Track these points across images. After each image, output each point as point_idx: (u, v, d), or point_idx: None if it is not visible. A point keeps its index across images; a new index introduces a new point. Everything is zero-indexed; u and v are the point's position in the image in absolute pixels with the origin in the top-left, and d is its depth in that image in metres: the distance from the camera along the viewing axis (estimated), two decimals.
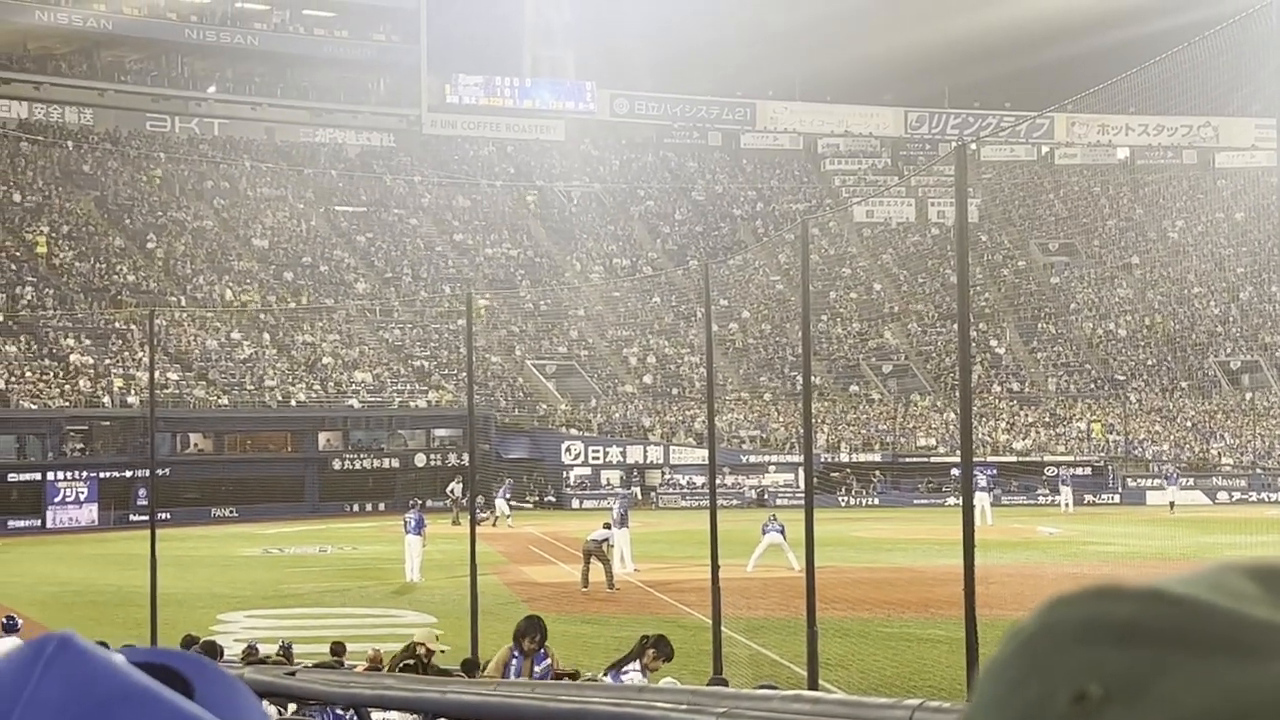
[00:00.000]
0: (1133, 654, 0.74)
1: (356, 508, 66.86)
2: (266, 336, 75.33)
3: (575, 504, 68.79)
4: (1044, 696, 0.76)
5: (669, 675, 14.22)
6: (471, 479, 30.26)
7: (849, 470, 71.82)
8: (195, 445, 67.32)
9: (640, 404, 78.93)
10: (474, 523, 26.52)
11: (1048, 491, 68.61)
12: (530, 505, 67.87)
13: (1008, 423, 79.57)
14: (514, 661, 14.24)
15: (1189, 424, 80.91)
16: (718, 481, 24.73)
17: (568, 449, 72.73)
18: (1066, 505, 62.70)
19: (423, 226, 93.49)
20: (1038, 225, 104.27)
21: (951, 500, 60.15)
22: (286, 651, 19.86)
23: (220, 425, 67.54)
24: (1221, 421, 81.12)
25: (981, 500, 46.04)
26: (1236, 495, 70.80)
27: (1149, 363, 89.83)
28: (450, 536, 43.37)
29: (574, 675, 14.19)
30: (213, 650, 17.99)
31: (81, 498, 61.37)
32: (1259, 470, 73.97)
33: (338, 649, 19.83)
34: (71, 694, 0.88)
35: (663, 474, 73.03)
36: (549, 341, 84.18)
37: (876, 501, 70.24)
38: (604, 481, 71.42)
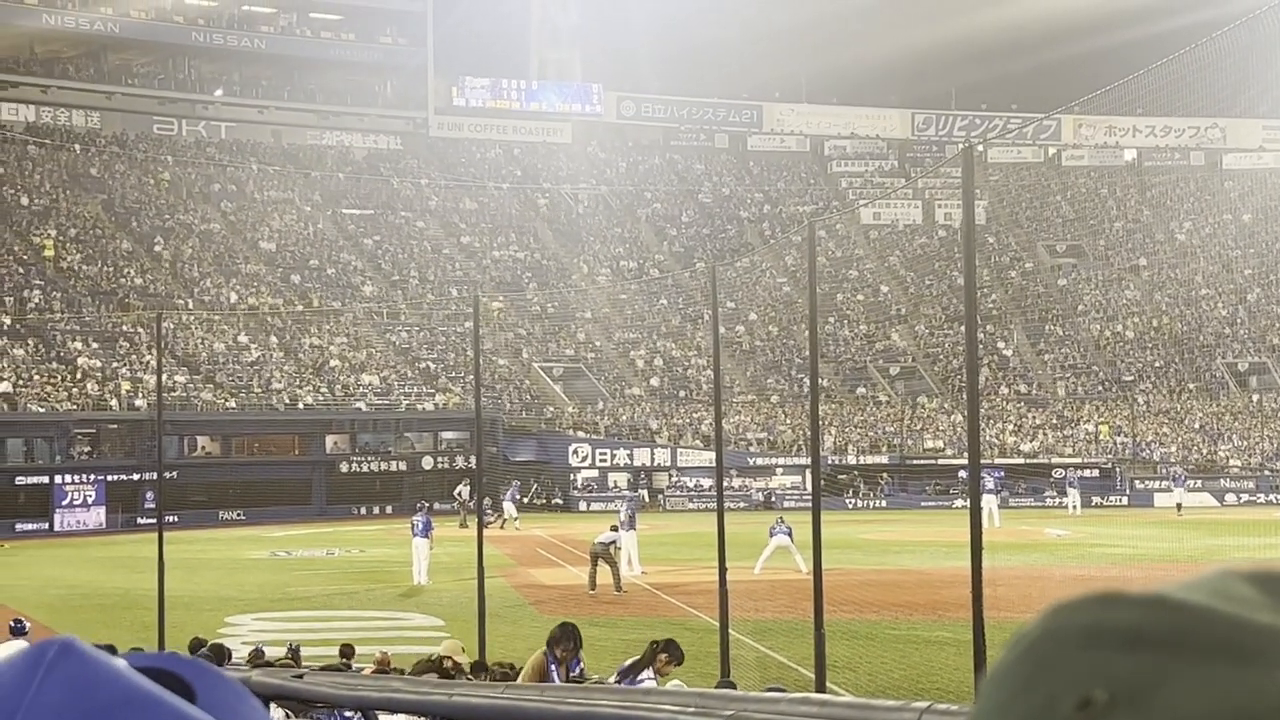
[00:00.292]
0: (1136, 660, 0.74)
1: (364, 510, 66.89)
2: (274, 339, 75.40)
3: (582, 506, 68.77)
4: (1048, 701, 0.76)
5: (676, 679, 14.20)
6: (479, 481, 30.28)
7: (856, 472, 71.78)
8: (203, 448, 67.38)
9: (647, 406, 78.92)
10: (481, 525, 26.53)
11: (1055, 494, 68.56)
12: (540, 502, 67.85)
13: (1015, 425, 79.52)
14: (552, 669, 14.10)
15: (1197, 426, 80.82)
16: (725, 484, 24.72)
17: (575, 451, 72.71)
18: (1074, 507, 62.65)
19: (430, 229, 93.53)
20: (1045, 227, 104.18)
21: (959, 502, 60.06)
22: (294, 654, 19.87)
23: (228, 428, 67.57)
24: (1229, 423, 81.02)
25: (989, 502, 45.89)
26: (1245, 497, 70.71)
27: (1156, 364, 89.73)
28: (458, 539, 43.43)
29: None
30: (220, 653, 18.00)
31: (89, 501, 61.43)
32: (1267, 472, 73.83)
33: (347, 651, 19.85)
34: (73, 699, 0.88)
35: (670, 476, 73.01)
36: (556, 344, 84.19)
37: (884, 504, 70.19)
38: (611, 484, 71.37)
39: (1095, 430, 79.12)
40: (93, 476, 61.60)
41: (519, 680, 14.19)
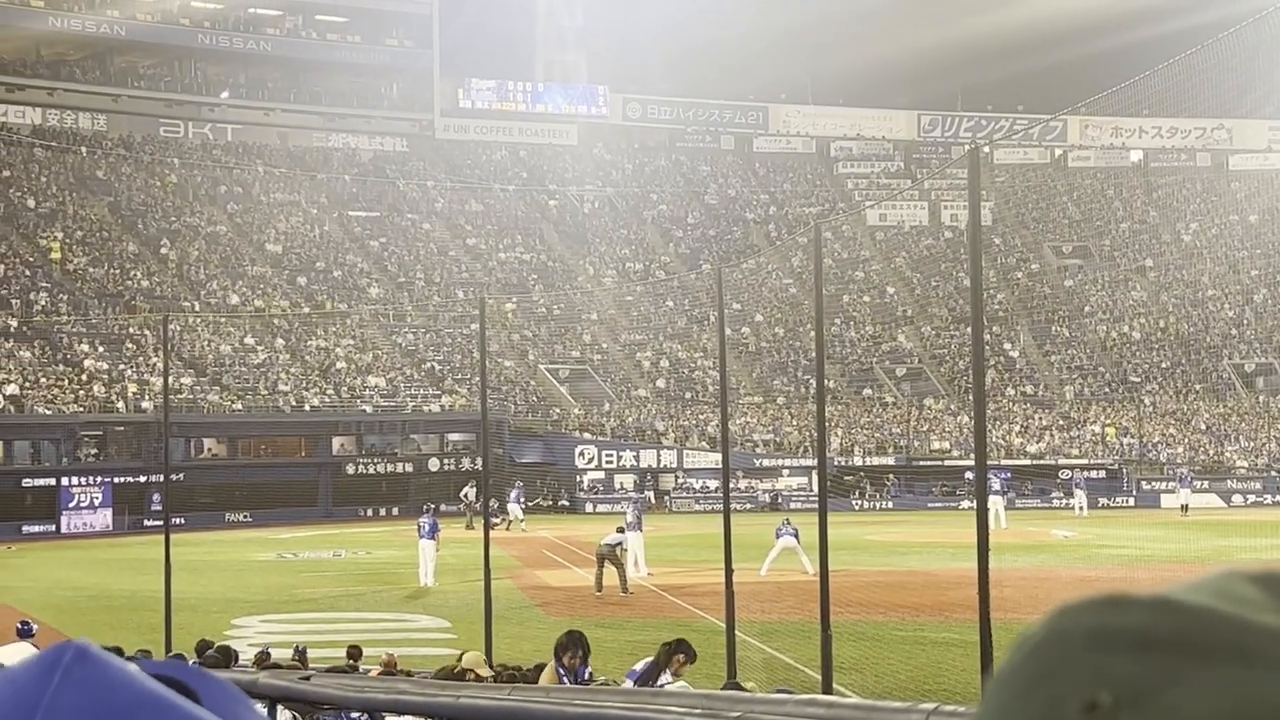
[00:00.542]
0: (1141, 662, 0.75)
1: (370, 512, 66.94)
2: (280, 341, 75.46)
3: (589, 508, 68.78)
4: (1054, 704, 0.76)
5: (681, 680, 14.18)
6: (485, 483, 30.25)
7: (863, 474, 71.78)
8: (209, 450, 67.42)
9: (653, 408, 78.92)
10: (488, 527, 26.54)
11: (1062, 494, 68.52)
12: (546, 503, 67.87)
13: (1022, 426, 79.46)
14: (562, 678, 14.00)
15: (1203, 427, 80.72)
16: (731, 485, 24.72)
17: (581, 453, 72.72)
18: (1080, 508, 62.59)
19: (436, 231, 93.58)
20: (1051, 228, 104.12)
21: (965, 503, 60.07)
22: (301, 656, 19.88)
23: (234, 430, 67.62)
24: (1236, 424, 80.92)
25: (995, 503, 45.91)
26: (1251, 498, 70.65)
27: (1163, 365, 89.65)
28: (464, 541, 43.46)
29: None
30: (227, 655, 18.01)
31: (96, 503, 61.50)
32: (1274, 473, 73.78)
33: (354, 653, 19.85)
34: (89, 702, 0.90)
35: (676, 478, 73.00)
36: (562, 346, 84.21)
37: (890, 505, 70.15)
38: (617, 485, 71.36)
39: (1102, 431, 79.06)
40: (99, 478, 61.69)
41: None
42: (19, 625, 20.61)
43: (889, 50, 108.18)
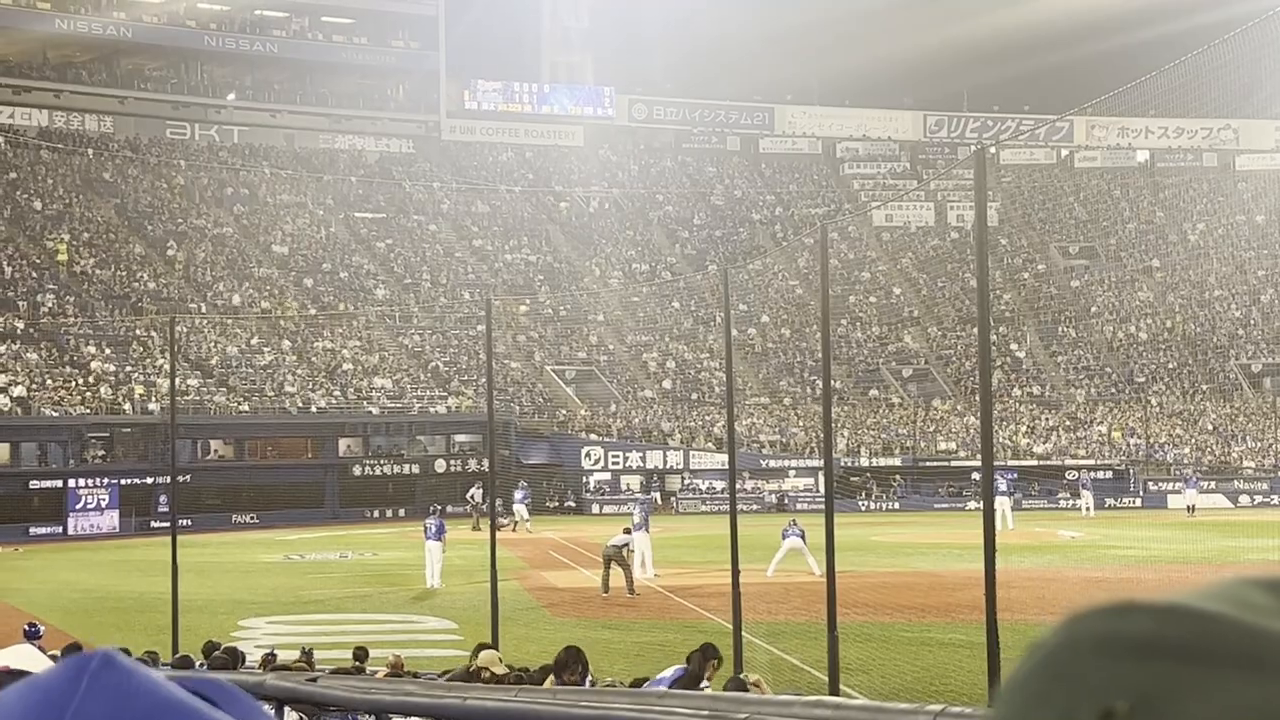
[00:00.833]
0: (1155, 669, 0.75)
1: (377, 513, 66.94)
2: (286, 343, 75.50)
3: (595, 509, 68.77)
4: (1067, 712, 0.76)
5: (710, 684, 14.12)
6: (491, 484, 30.28)
7: (869, 474, 71.78)
8: (216, 452, 67.44)
9: (660, 409, 78.90)
10: (494, 528, 26.56)
11: (1068, 495, 68.43)
12: (553, 504, 67.88)
13: (1028, 426, 79.41)
14: None
15: (1210, 427, 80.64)
16: (737, 486, 24.72)
17: (587, 454, 72.68)
18: (1087, 509, 62.53)
19: (442, 232, 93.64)
20: (1057, 228, 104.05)
21: (972, 504, 60.07)
22: (308, 657, 19.88)
23: (241, 431, 67.63)
24: (1243, 425, 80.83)
25: (1002, 504, 45.89)
26: (1259, 499, 70.56)
27: (1170, 366, 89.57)
28: (470, 542, 43.46)
29: None
30: (234, 656, 18.03)
31: (103, 504, 61.52)
32: None
33: (360, 654, 19.86)
34: (115, 709, 0.93)
35: (682, 479, 72.96)
36: (568, 347, 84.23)
37: (897, 506, 70.12)
38: (624, 486, 71.33)
39: (1108, 432, 78.99)
40: (106, 480, 61.70)
41: None
42: (26, 627, 20.63)
43: (895, 51, 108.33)
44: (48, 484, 61.03)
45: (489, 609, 24.15)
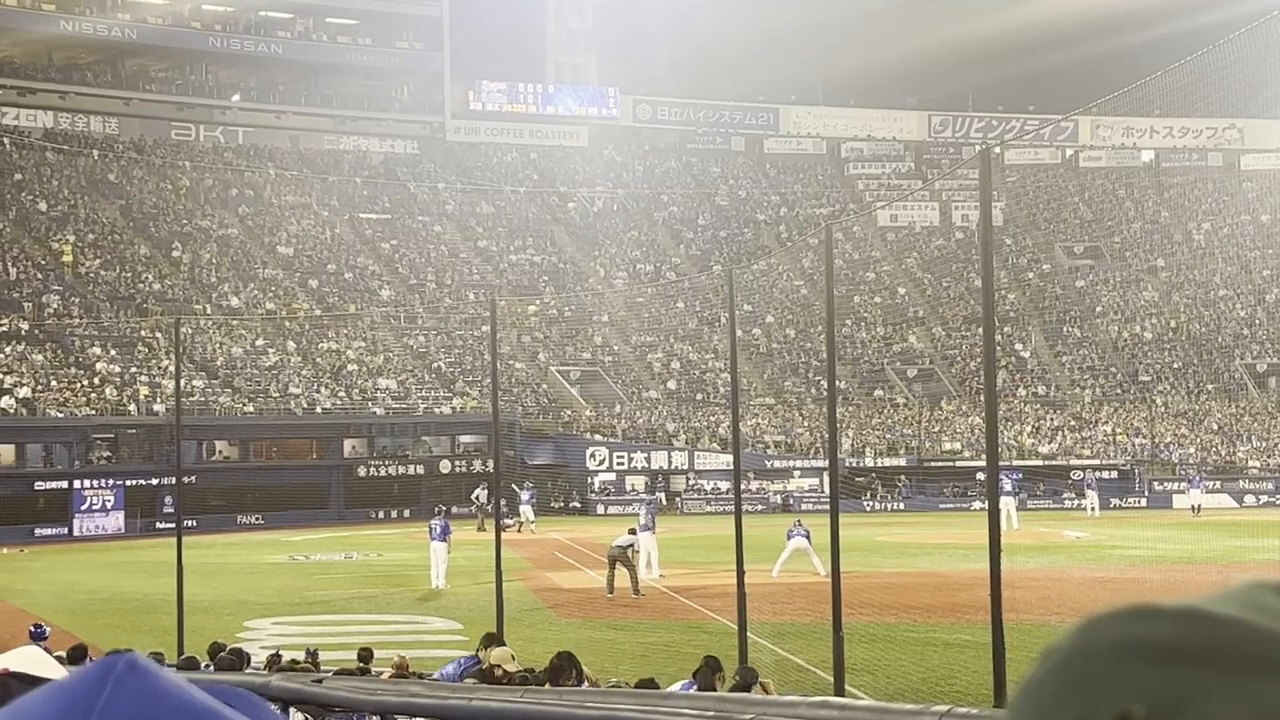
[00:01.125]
0: (1171, 674, 0.74)
1: (382, 514, 66.97)
2: (291, 344, 75.54)
3: (600, 510, 68.77)
4: (1083, 717, 0.76)
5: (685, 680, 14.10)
6: (496, 485, 30.27)
7: (874, 475, 71.72)
8: (221, 453, 67.48)
9: (665, 409, 78.90)
10: (499, 529, 26.55)
11: (1074, 495, 68.39)
12: (558, 505, 67.89)
13: (1033, 426, 79.34)
14: None
15: (1215, 427, 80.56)
16: (742, 486, 24.71)
17: (592, 455, 72.65)
18: (1092, 509, 62.48)
19: (447, 233, 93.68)
20: (1062, 228, 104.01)
21: (977, 504, 60.06)
22: (313, 658, 19.88)
23: (246, 433, 67.66)
24: (1248, 424, 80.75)
25: (1007, 504, 45.88)
26: (1264, 498, 70.44)
27: (1175, 365, 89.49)
28: (475, 542, 43.51)
29: None
30: (240, 657, 18.03)
31: (108, 506, 61.58)
32: None
33: (365, 655, 19.86)
34: (139, 712, 0.95)
35: (687, 479, 72.94)
36: (573, 347, 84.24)
37: (902, 506, 70.06)
38: (629, 487, 71.34)
39: (1113, 432, 78.93)
40: (111, 481, 61.76)
41: None
42: (32, 628, 20.64)
43: (899, 51, 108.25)
44: (53, 485, 61.09)
45: (494, 610, 24.14)
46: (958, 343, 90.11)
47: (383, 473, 69.02)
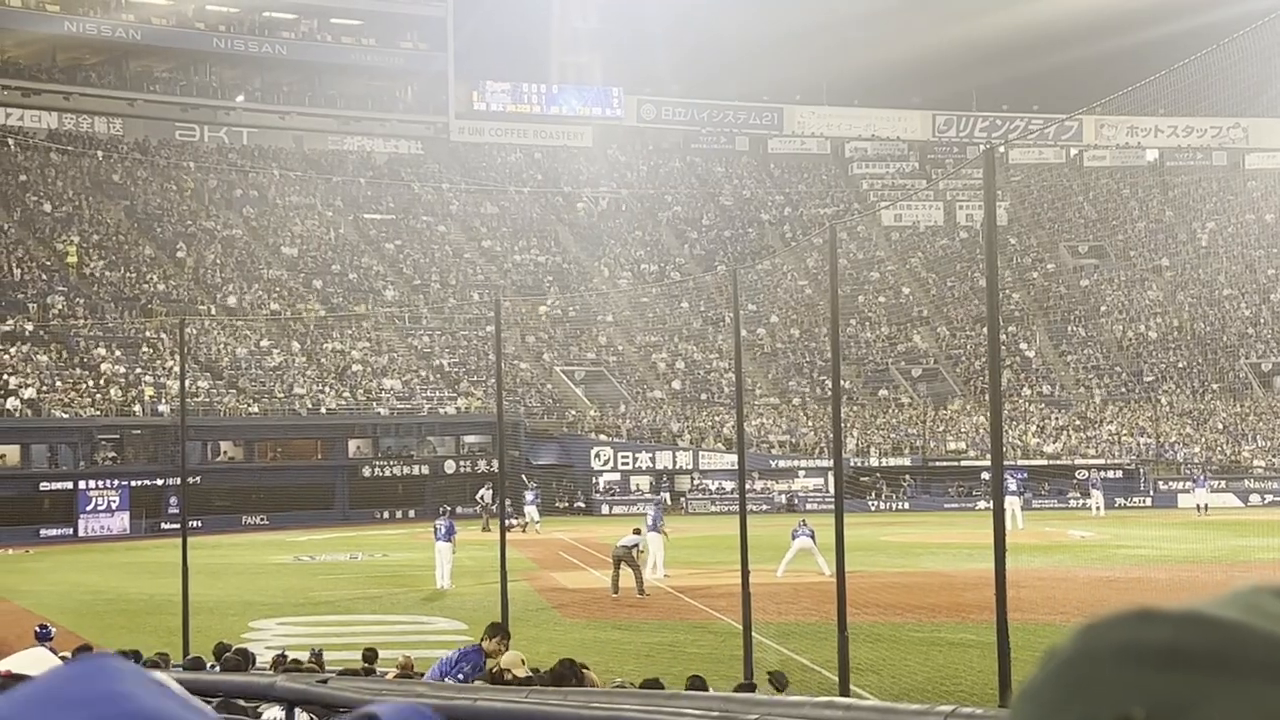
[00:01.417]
0: (1173, 678, 0.75)
1: (386, 514, 67.00)
2: (296, 344, 75.56)
3: (605, 510, 68.78)
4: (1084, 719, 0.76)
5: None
6: (501, 485, 30.26)
7: (879, 474, 71.72)
8: (226, 453, 67.51)
9: (669, 409, 78.89)
10: (504, 529, 26.56)
11: (1079, 495, 68.37)
12: (563, 504, 67.91)
13: (1038, 426, 79.30)
14: None
15: (1220, 426, 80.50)
16: (747, 486, 24.71)
17: (597, 455, 72.68)
18: (1097, 508, 62.47)
19: (451, 233, 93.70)
20: (1067, 228, 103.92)
21: (982, 504, 60.02)
22: (318, 658, 19.89)
23: (250, 433, 67.69)
24: (1253, 424, 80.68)
25: (1012, 504, 45.91)
26: (1270, 498, 70.41)
27: (1180, 365, 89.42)
28: (480, 543, 43.52)
29: None
30: (245, 658, 18.04)
31: (113, 506, 61.64)
32: None
33: (370, 656, 19.87)
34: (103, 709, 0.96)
35: (692, 479, 72.97)
36: (578, 347, 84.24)
37: (906, 506, 70.07)
38: (633, 487, 71.39)
39: (1118, 431, 78.87)
40: (117, 482, 61.82)
41: None
42: (37, 629, 20.64)
43: (903, 50, 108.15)
44: (58, 486, 61.15)
45: (499, 610, 24.13)
46: (962, 342, 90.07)
47: (387, 473, 69.05)
